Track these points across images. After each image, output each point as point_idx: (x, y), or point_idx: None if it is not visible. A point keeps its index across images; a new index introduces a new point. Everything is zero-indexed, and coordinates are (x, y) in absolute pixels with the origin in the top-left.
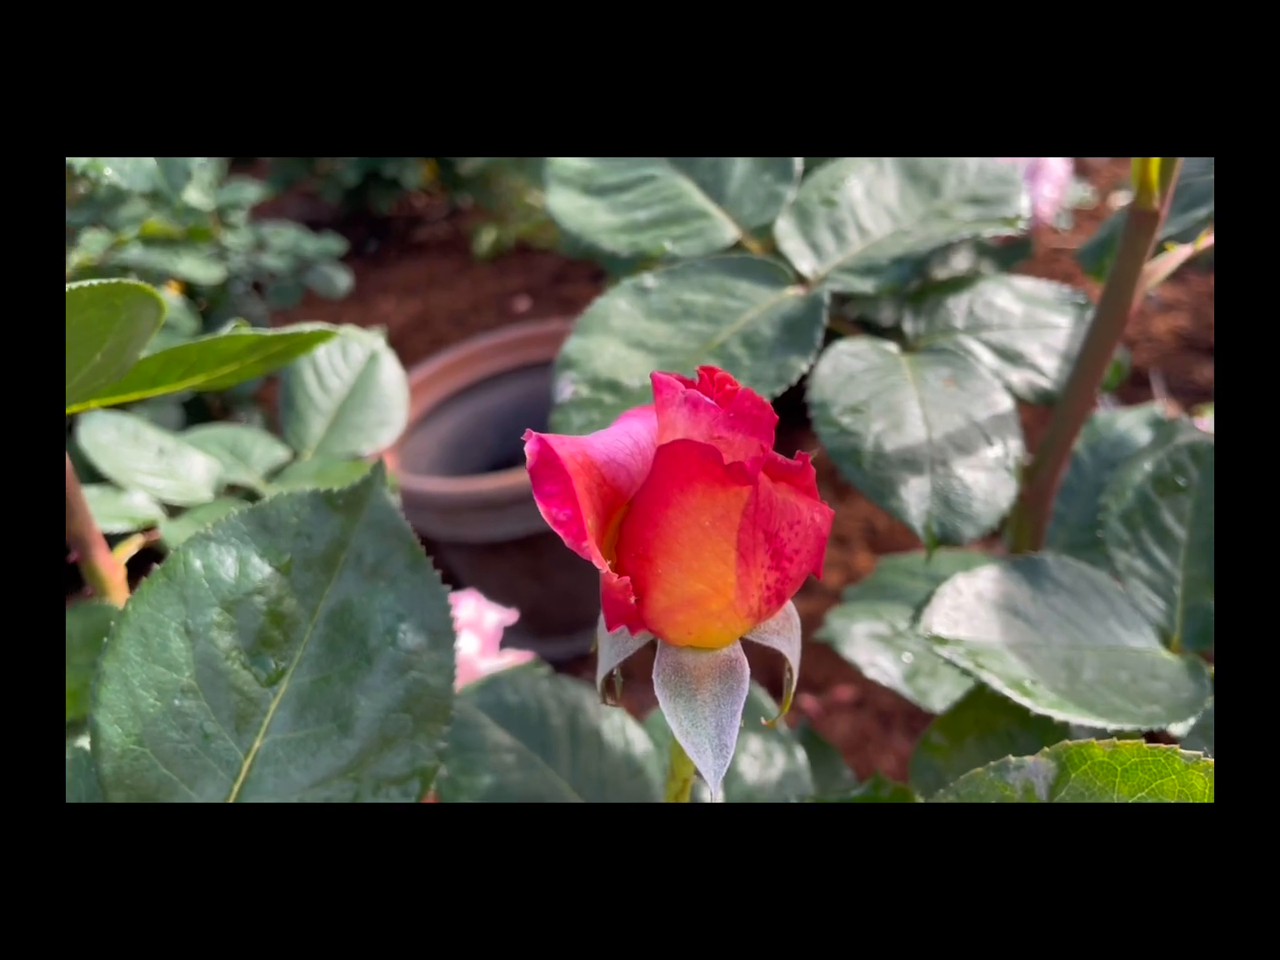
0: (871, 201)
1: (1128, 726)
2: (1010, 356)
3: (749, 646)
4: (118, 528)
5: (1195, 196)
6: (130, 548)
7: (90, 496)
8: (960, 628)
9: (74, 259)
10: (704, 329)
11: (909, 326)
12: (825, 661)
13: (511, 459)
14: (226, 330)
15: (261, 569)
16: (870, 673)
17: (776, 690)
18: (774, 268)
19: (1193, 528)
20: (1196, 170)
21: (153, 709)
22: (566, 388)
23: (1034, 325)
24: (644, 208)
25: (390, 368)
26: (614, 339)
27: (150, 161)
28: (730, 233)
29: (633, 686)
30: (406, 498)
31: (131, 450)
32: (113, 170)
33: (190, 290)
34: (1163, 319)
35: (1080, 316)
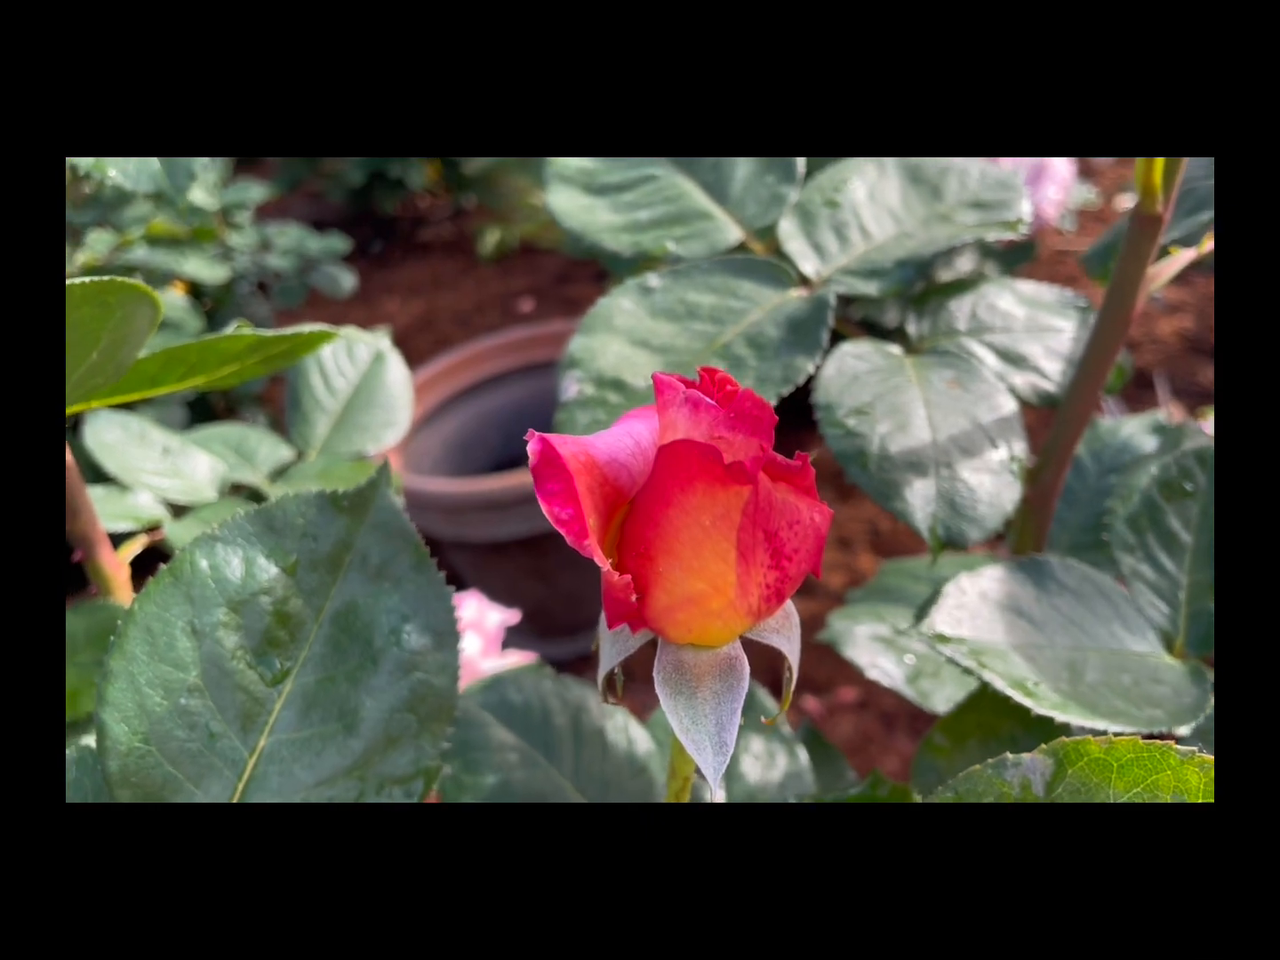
0: (874, 204)
1: (1129, 730)
2: (1013, 359)
3: (750, 646)
4: (122, 527)
5: (1199, 201)
6: (135, 547)
7: (95, 496)
8: (964, 627)
9: (79, 259)
10: (708, 329)
11: (912, 328)
12: (828, 663)
13: (515, 459)
14: (228, 330)
15: (267, 569)
16: (872, 674)
17: (778, 690)
18: (777, 269)
19: (1198, 533)
20: (1200, 174)
21: (159, 707)
22: (571, 387)
23: (1036, 328)
24: (646, 207)
25: (396, 368)
26: (618, 338)
27: (154, 163)
28: (733, 233)
29: (635, 687)
30: (410, 498)
31: (137, 450)
32: (116, 171)
33: (196, 290)
34: (1168, 321)
35: (1083, 320)
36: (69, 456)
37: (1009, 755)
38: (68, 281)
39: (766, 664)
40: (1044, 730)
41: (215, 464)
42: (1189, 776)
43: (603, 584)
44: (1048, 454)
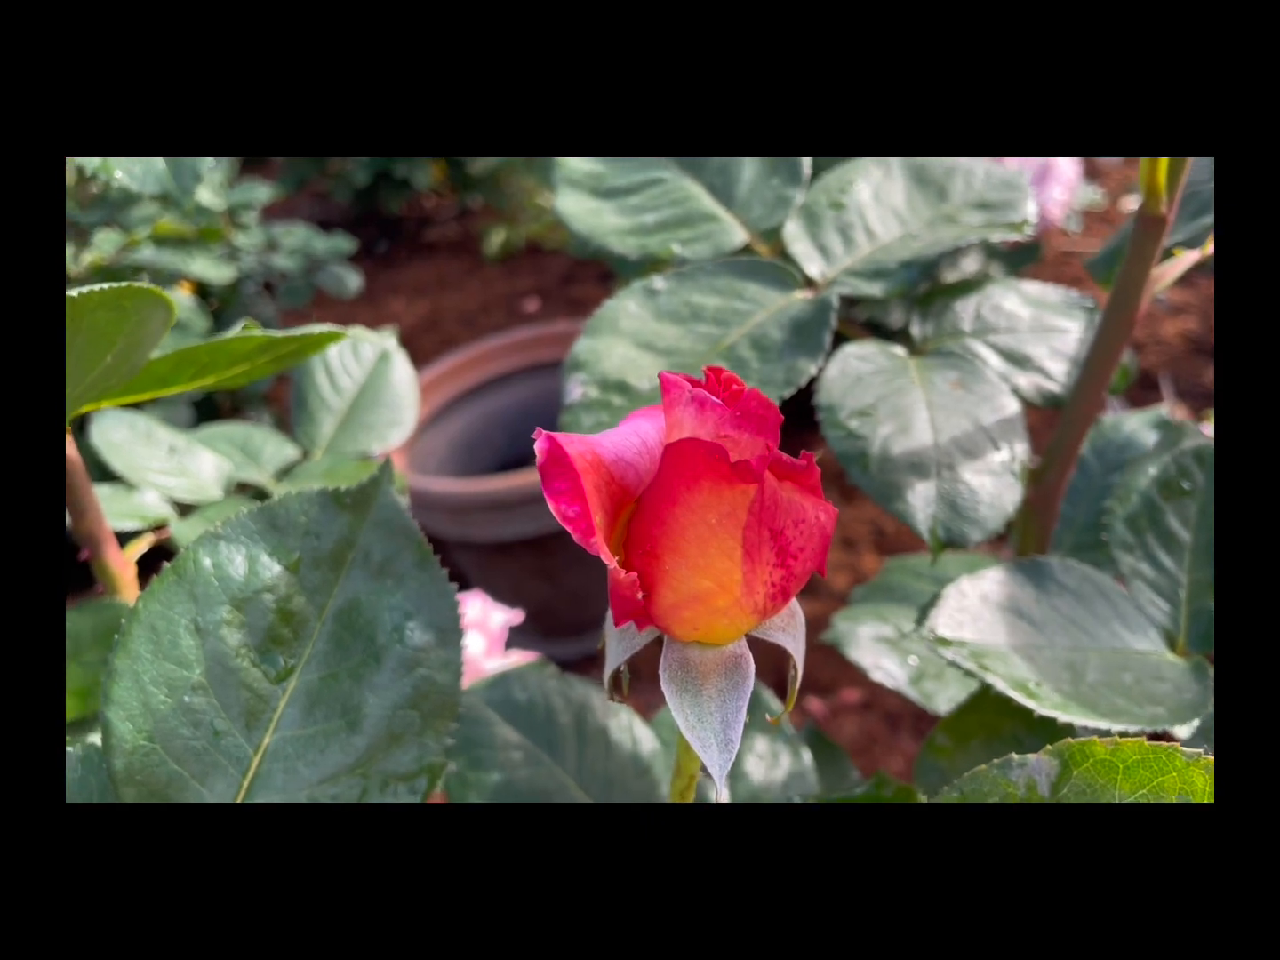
0: (879, 205)
1: (1131, 728)
2: (1017, 360)
3: (755, 646)
4: (129, 526)
5: (1203, 203)
6: (141, 546)
7: (102, 495)
8: (965, 629)
9: (86, 259)
10: (713, 331)
11: (916, 330)
12: (832, 663)
13: (520, 459)
14: (236, 330)
15: (271, 567)
16: (876, 675)
17: (782, 690)
18: (782, 270)
19: (1197, 531)
20: (1204, 177)
21: (163, 706)
22: (576, 389)
23: (1041, 329)
24: (652, 210)
25: (402, 368)
26: (623, 340)
27: (160, 164)
28: (739, 236)
29: (640, 686)
30: (415, 497)
31: (143, 449)
32: (123, 173)
33: (202, 290)
34: (1172, 322)
35: (1088, 321)
36: (76, 455)
37: (1014, 756)
38: (85, 288)
39: (771, 664)
40: (1047, 730)
41: (221, 463)
42: (1194, 778)
43: (609, 581)
44: (1051, 454)
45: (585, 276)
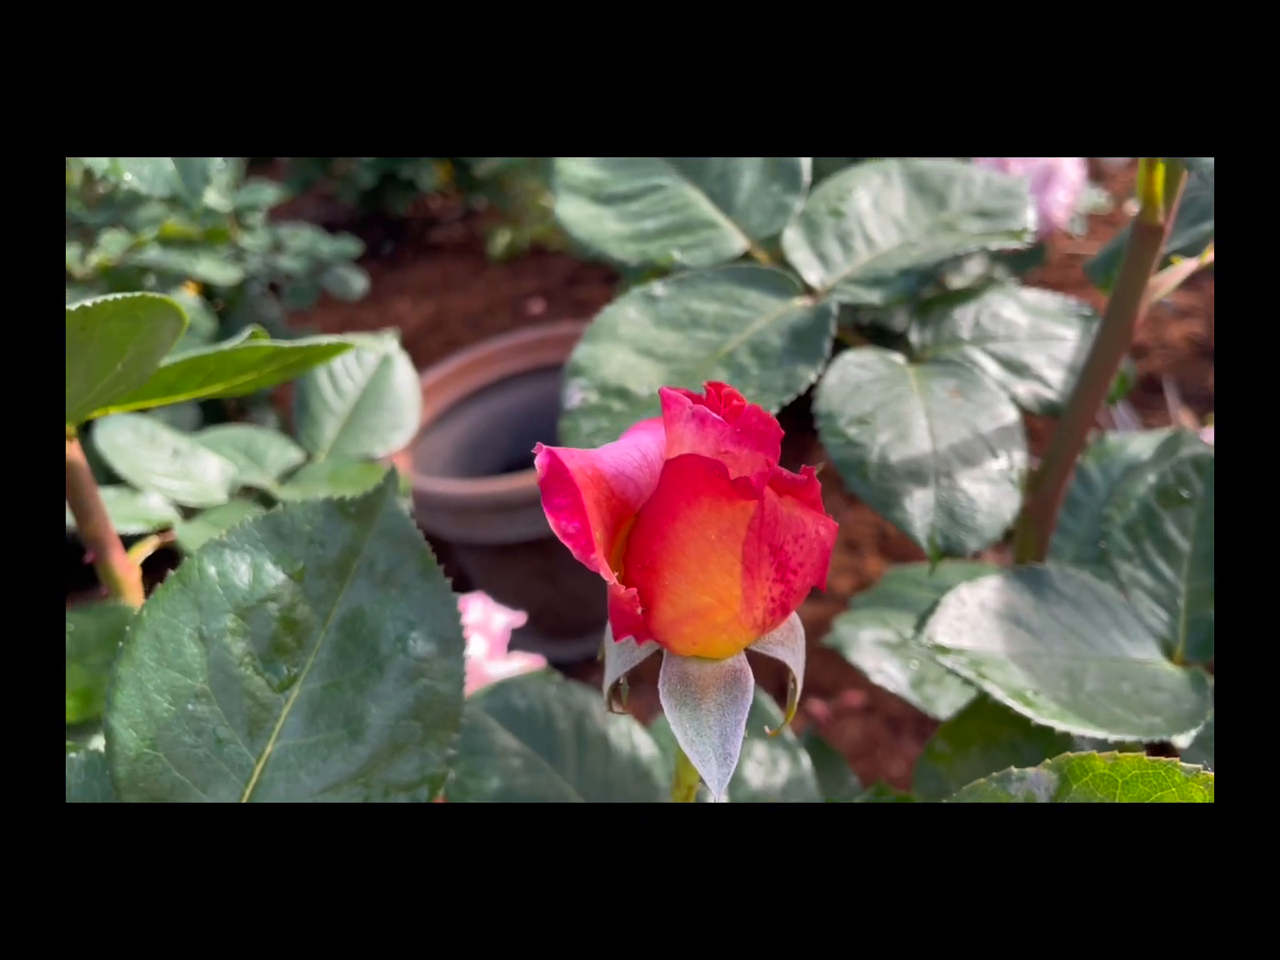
0: (879, 213)
1: (1129, 738)
2: (1016, 368)
3: (755, 654)
4: (133, 529)
5: (1201, 211)
6: (145, 549)
7: (107, 498)
8: (963, 637)
9: (93, 259)
10: (712, 338)
11: (915, 337)
12: (835, 667)
13: (525, 461)
14: (243, 338)
15: (275, 576)
16: (877, 679)
17: (783, 696)
18: (782, 278)
19: (1196, 540)
20: (1202, 185)
21: (166, 713)
22: (575, 394)
23: (1040, 337)
24: (652, 217)
25: (403, 371)
26: (623, 346)
27: (169, 165)
28: (738, 243)
29: (640, 690)
30: (419, 499)
31: (148, 452)
32: (132, 174)
33: (207, 291)
34: (1177, 326)
35: (1086, 328)
36: (81, 458)
37: (1014, 770)
38: (99, 298)
39: (772, 668)
40: (1045, 738)
41: (225, 466)
42: (1194, 794)
43: (609, 596)
44: (1049, 463)
45: (590, 278)
